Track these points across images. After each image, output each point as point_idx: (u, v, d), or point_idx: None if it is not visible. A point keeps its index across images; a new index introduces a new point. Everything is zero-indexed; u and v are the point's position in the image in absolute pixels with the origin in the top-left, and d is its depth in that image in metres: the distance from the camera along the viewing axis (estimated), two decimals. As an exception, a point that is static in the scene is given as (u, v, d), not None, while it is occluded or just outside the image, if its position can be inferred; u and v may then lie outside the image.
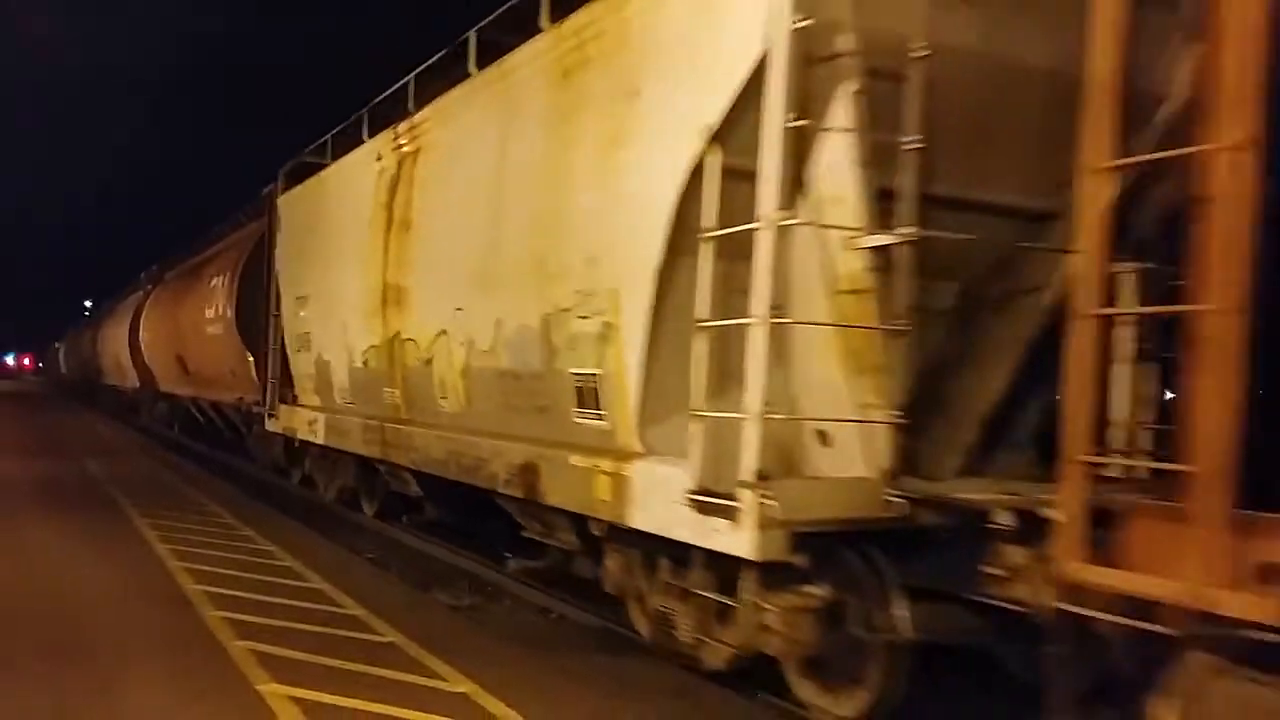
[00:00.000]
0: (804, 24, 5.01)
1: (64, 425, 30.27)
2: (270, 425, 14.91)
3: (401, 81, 10.57)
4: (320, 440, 12.68)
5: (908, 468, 5.29)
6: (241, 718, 5.40)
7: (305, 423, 13.19)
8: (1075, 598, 3.88)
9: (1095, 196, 3.79)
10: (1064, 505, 3.91)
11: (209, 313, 18.65)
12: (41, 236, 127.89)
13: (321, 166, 13.19)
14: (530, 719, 5.46)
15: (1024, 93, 5.48)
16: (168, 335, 23.95)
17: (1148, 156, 4.01)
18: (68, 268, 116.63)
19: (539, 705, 5.65)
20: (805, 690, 5.82)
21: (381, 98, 11.26)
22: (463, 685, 5.96)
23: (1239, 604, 3.31)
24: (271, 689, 5.77)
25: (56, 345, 74.41)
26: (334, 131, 12.92)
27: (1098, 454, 3.98)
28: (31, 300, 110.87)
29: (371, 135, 11.27)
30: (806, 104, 5.20)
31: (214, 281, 18.75)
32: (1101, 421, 4.59)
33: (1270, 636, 3.31)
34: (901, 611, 5.34)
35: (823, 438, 5.58)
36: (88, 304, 66.56)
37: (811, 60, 5.18)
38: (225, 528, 11.47)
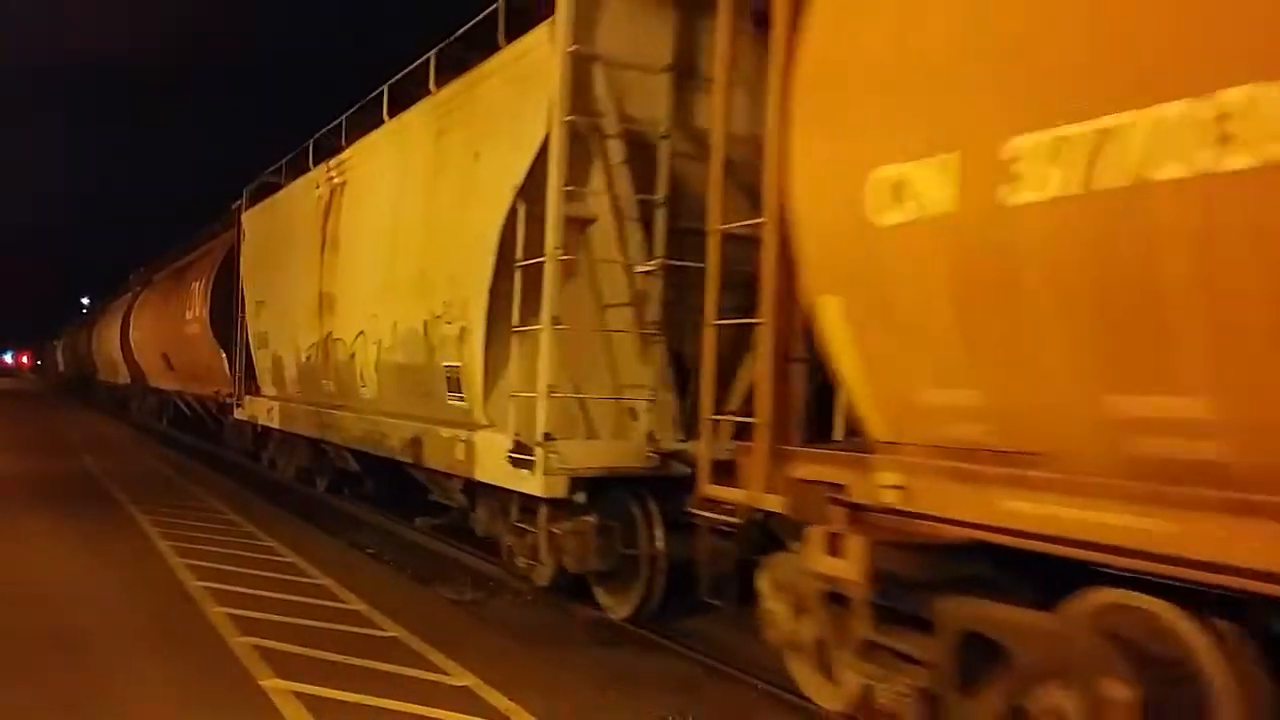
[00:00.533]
0: (570, 119, 7.07)
1: (61, 422, 31.30)
2: (238, 414, 17.00)
3: (335, 121, 12.62)
4: (276, 425, 14.76)
5: (683, 433, 7.32)
6: (245, 713, 5.41)
7: (265, 410, 15.26)
8: (711, 508, 5.93)
9: (713, 250, 5.84)
10: (701, 449, 5.97)
11: (188, 314, 20.69)
12: (38, 233, 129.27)
13: (278, 187, 15.25)
14: (532, 712, 5.50)
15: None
16: (154, 334, 26.01)
17: (733, 225, 5.90)
18: (65, 264, 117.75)
19: (541, 698, 5.69)
20: (600, 597, 7.88)
21: (322, 131, 13.31)
22: (465, 679, 5.99)
23: (773, 502, 5.36)
24: (274, 684, 5.78)
25: (54, 343, 75.30)
26: (287, 158, 14.97)
27: (719, 414, 6.00)
28: (29, 297, 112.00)
29: (316, 164, 13.32)
30: (582, 169, 7.26)
31: (192, 285, 20.81)
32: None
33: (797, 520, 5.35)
34: (659, 537, 7.41)
35: (632, 413, 7.62)
36: (85, 300, 67.08)
37: (584, 139, 7.23)
38: (226, 524, 11.45)
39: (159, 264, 30.10)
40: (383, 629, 7.09)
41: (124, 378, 34.06)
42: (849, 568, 4.78)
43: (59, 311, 78.38)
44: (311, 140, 13.68)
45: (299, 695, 5.59)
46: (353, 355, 11.15)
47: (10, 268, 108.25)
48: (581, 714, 5.62)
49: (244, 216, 16.69)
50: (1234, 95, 3.04)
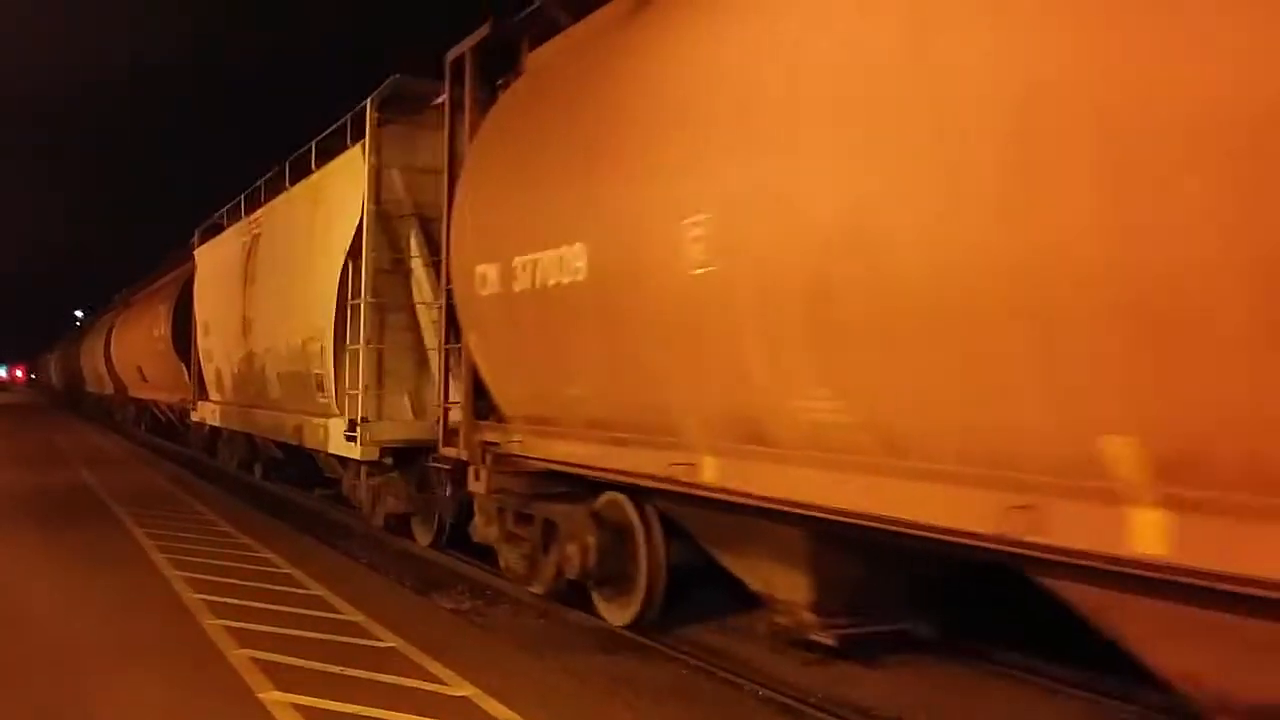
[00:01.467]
0: (374, 206, 10.60)
1: (54, 432, 31.90)
2: (194, 416, 20.52)
3: (256, 183, 16.14)
4: (219, 424, 18.29)
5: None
6: None
7: (211, 412, 18.78)
8: (443, 461, 9.44)
9: (444, 302, 9.37)
10: (439, 427, 9.49)
11: (155, 332, 24.20)
12: (32, 247, 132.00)
13: (221, 228, 18.77)
14: None
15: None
16: (131, 349, 29.48)
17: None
18: (59, 278, 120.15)
19: (540, 707, 5.69)
20: (415, 531, 11.38)
21: (251, 188, 16.82)
22: (464, 689, 5.98)
23: (467, 455, 8.86)
24: (273, 697, 5.75)
25: (48, 356, 76.66)
26: (226, 207, 18.50)
27: (446, 404, 9.49)
28: (23, 311, 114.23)
29: (248, 212, 16.83)
30: (388, 237, 10.77)
31: (159, 307, 24.32)
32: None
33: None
34: (445, 486, 10.91)
35: (421, 404, 11.10)
36: (79, 314, 68.96)
37: (387, 217, 10.75)
38: (222, 535, 11.47)
39: (137, 287, 33.61)
40: (381, 640, 7.09)
41: (108, 388, 37.50)
42: (480, 486, 8.33)
43: (52, 326, 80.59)
44: (243, 195, 17.22)
45: (297, 707, 5.57)
46: (264, 366, 14.65)
47: (4, 283, 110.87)
48: None
49: (197, 252, 20.22)
50: (559, 251, 6.61)
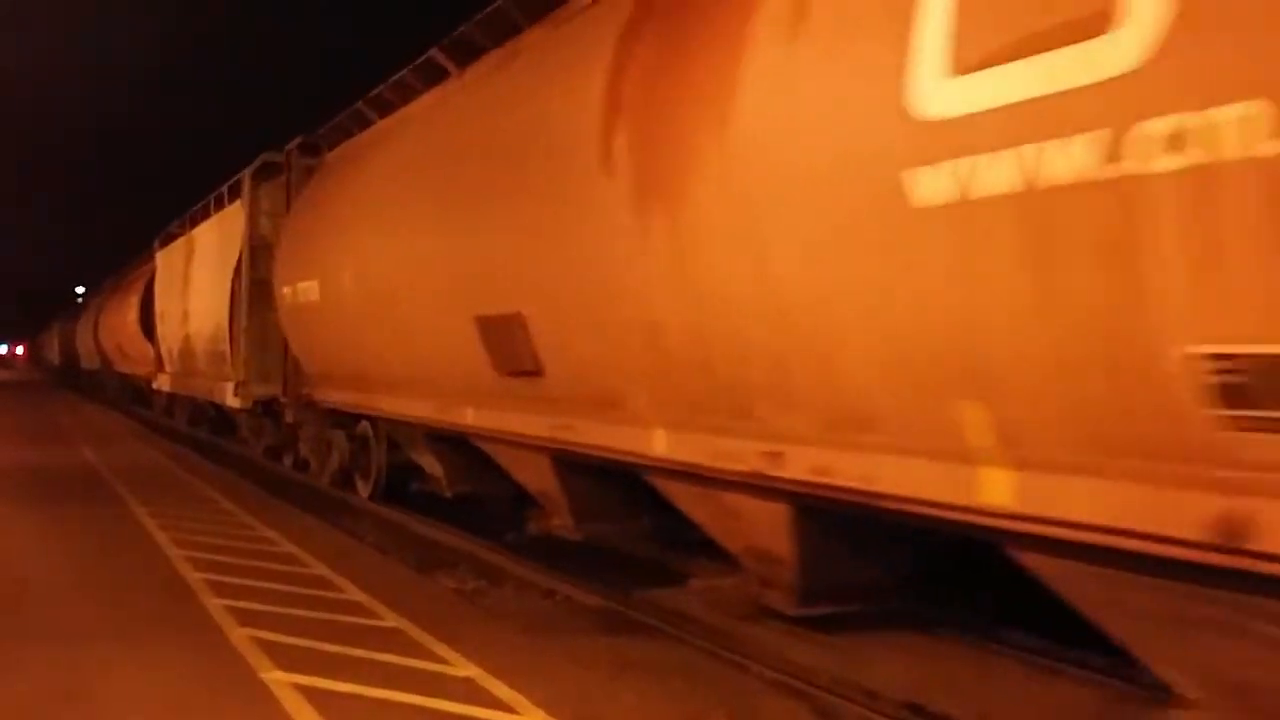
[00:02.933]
0: (251, 242, 15.97)
1: (58, 411, 34.91)
2: (155, 385, 25.96)
3: (194, 208, 21.47)
4: (169, 390, 23.73)
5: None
6: (246, 706, 5.35)
7: (166, 381, 24.21)
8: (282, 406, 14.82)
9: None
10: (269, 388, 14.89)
11: (129, 317, 29.60)
12: (34, 222, 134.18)
13: (174, 237, 24.13)
14: (535, 702, 5.42)
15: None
16: (113, 330, 34.87)
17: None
18: (61, 254, 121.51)
19: (544, 687, 5.63)
20: (284, 459, 16.76)
21: (191, 210, 22.14)
22: (468, 669, 5.96)
23: (286, 400, 14.22)
24: (275, 677, 5.73)
25: (47, 335, 78.01)
26: (176, 221, 23.84)
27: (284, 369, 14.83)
28: (24, 289, 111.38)
29: (191, 227, 22.15)
30: (262, 260, 16.13)
31: (131, 297, 29.72)
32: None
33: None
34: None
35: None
36: (80, 290, 71.45)
37: (259, 249, 16.10)
38: (224, 514, 11.57)
39: (120, 275, 39.05)
40: (384, 620, 7.08)
41: (97, 364, 42.95)
42: (289, 417, 13.79)
43: (53, 303, 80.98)
44: (189, 213, 22.55)
45: (300, 688, 5.55)
46: (195, 345, 20.02)
47: (5, 264, 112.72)
48: (586, 703, 5.52)
49: (158, 254, 25.61)
50: (309, 283, 12.04)
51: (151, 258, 27.48)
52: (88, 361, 48.15)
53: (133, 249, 44.46)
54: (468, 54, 9.61)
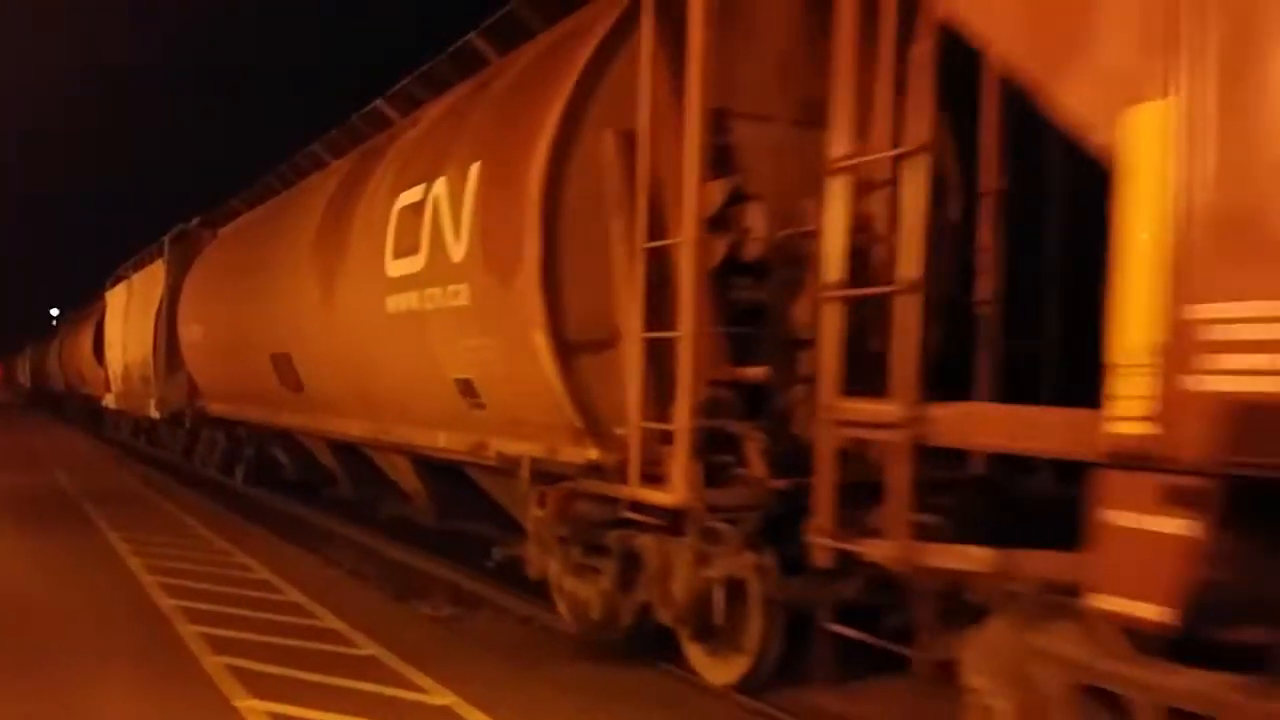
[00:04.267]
0: (167, 292, 20.95)
1: (33, 435, 37.69)
2: (104, 402, 30.82)
3: (136, 257, 26.38)
4: (115, 406, 28.62)
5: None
6: None
7: (113, 399, 29.07)
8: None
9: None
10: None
11: (85, 347, 34.49)
12: (5, 243, 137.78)
13: (120, 279, 29.02)
14: None
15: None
16: (72, 356, 39.71)
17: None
18: (34, 275, 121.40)
19: (521, 716, 5.70)
20: (209, 465, 21.64)
21: (131, 260, 27.02)
22: (444, 697, 5.96)
23: (189, 414, 19.15)
24: (249, 705, 5.72)
25: (19, 357, 78.09)
26: (119, 269, 28.74)
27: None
28: None
29: (134, 272, 27.04)
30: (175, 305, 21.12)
31: (87, 329, 34.63)
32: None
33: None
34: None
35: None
36: (54, 312, 70.47)
37: (174, 294, 21.06)
38: (199, 540, 11.57)
39: (79, 309, 44.09)
40: (360, 647, 7.06)
41: (62, 385, 47.73)
42: (187, 424, 18.79)
43: (27, 325, 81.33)
44: (132, 260, 27.47)
45: (275, 716, 5.56)
46: (132, 371, 24.88)
47: None
48: None
49: (107, 295, 30.56)
50: (200, 325, 17.08)
51: (103, 296, 32.47)
52: (55, 383, 53.00)
53: (102, 270, 49.68)
54: (308, 166, 14.56)
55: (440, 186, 8.24)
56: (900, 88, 5.05)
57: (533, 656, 7.14)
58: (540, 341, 6.80)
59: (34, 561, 10.39)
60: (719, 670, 6.49)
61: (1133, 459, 3.66)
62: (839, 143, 5.29)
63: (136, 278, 24.87)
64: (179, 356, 19.71)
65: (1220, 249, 3.48)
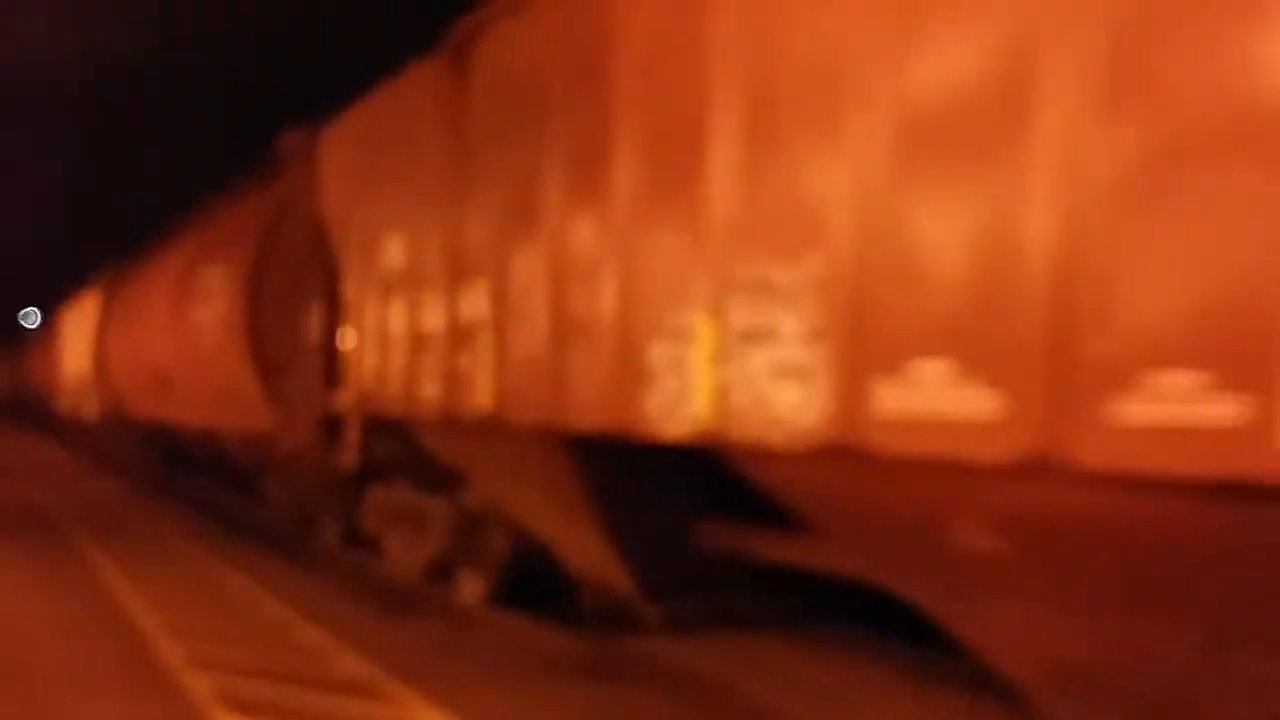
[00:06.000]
0: (103, 318, 26.00)
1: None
2: (59, 406, 35.77)
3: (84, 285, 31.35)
4: (68, 412, 33.66)
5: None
6: None
7: (65, 405, 34.04)
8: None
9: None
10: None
11: (55, 362, 39.48)
12: None
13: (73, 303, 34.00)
14: None
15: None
16: (43, 364, 44.59)
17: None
18: (11, 279, 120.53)
19: None
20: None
21: (80, 286, 31.98)
22: (434, 716, 5.93)
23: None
24: None
25: None
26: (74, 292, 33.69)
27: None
28: None
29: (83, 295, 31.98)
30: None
31: (51, 344, 39.61)
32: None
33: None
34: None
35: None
36: (25, 314, 67.43)
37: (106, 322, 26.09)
38: (181, 554, 11.31)
39: (40, 330, 48.77)
40: (348, 665, 6.96)
41: (34, 396, 52.43)
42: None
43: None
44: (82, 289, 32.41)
45: None
46: (80, 381, 29.82)
47: None
48: None
49: (63, 316, 35.52)
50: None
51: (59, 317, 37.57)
52: (27, 393, 57.64)
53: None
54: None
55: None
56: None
57: (526, 675, 7.02)
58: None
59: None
60: None
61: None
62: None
63: (84, 300, 29.93)
64: (108, 368, 24.64)
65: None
